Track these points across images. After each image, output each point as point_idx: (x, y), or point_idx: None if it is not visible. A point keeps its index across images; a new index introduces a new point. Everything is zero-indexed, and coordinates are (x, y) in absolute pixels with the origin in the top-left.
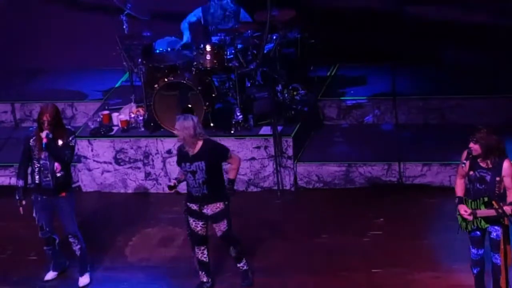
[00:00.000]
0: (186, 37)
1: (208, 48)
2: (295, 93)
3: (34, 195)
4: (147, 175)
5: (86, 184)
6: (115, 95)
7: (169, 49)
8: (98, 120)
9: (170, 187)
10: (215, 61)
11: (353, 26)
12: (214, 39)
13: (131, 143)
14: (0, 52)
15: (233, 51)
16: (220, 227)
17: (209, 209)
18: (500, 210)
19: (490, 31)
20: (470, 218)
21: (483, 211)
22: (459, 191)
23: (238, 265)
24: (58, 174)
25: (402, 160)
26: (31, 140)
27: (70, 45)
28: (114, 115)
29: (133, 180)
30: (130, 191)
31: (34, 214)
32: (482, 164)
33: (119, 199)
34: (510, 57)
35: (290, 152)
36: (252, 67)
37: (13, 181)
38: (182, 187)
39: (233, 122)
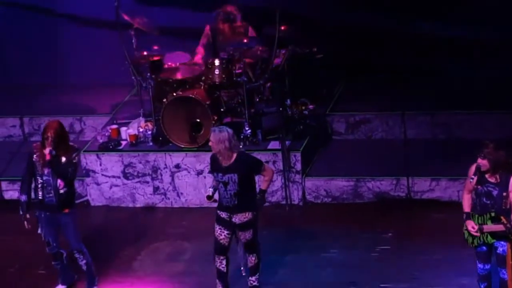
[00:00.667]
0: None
1: (216, 63)
2: (303, 108)
3: (38, 211)
4: (156, 189)
5: (95, 198)
6: (123, 109)
7: (178, 63)
8: (106, 134)
9: (208, 197)
10: (223, 76)
11: (361, 41)
12: (223, 54)
13: (140, 157)
14: (10, 66)
15: (241, 66)
16: (246, 235)
17: (237, 218)
18: (508, 225)
19: (498, 47)
20: (477, 234)
21: (490, 226)
22: (467, 206)
23: (250, 278)
24: (61, 191)
25: (411, 175)
26: (34, 156)
27: (79, 59)
28: (123, 129)
29: (142, 194)
30: (138, 205)
31: (39, 230)
32: (490, 179)
33: (128, 213)
34: None
35: (298, 166)
36: (260, 82)
37: None
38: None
39: (242, 137)
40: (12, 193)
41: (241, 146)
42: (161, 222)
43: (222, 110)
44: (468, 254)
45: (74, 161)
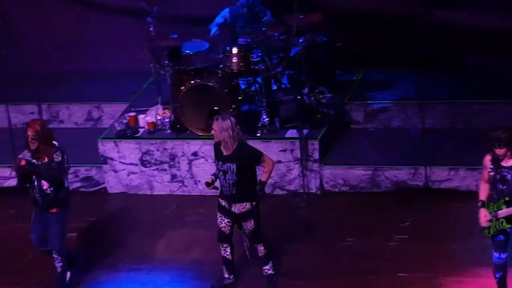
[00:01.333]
0: (213, 31)
1: (234, 50)
2: (321, 96)
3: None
4: (173, 177)
5: (112, 185)
6: (141, 97)
7: (196, 51)
8: (124, 121)
9: (207, 184)
10: (241, 64)
11: (380, 30)
12: (241, 41)
13: (157, 145)
14: (29, 54)
15: (259, 54)
16: (247, 226)
17: (236, 208)
18: None
19: None
20: (486, 224)
21: (504, 211)
22: (483, 195)
23: (264, 267)
24: (48, 191)
25: (429, 164)
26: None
27: (97, 47)
28: (141, 117)
29: (159, 182)
30: (156, 193)
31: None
32: (504, 164)
33: (145, 201)
34: None
35: (316, 155)
36: (278, 70)
37: None
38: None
39: (259, 125)
40: None
41: (258, 134)
42: (178, 210)
43: (239, 98)
44: (485, 244)
45: (56, 159)
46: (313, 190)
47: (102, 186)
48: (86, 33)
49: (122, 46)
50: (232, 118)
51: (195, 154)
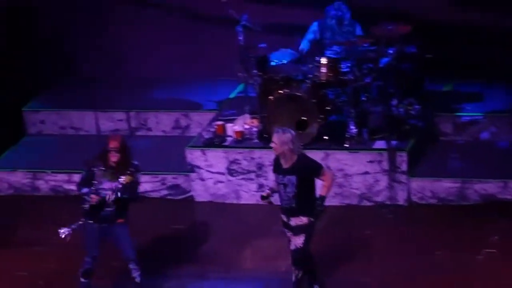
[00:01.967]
0: (303, 48)
1: (323, 61)
2: (410, 107)
3: (86, 221)
4: (260, 186)
5: (199, 194)
6: (229, 105)
7: (284, 61)
8: (212, 130)
9: (262, 197)
10: (330, 74)
11: (470, 41)
12: (329, 52)
13: (245, 154)
14: (118, 61)
15: (348, 65)
16: (296, 241)
17: (293, 221)
18: None
19: None
20: None
21: None
22: None
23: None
24: (115, 206)
25: None
26: (96, 168)
27: (186, 55)
28: (228, 125)
29: (246, 191)
30: (242, 202)
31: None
32: None
33: (232, 210)
34: None
35: (404, 167)
36: (367, 81)
37: None
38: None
39: (347, 136)
40: None
41: (346, 145)
42: (265, 219)
43: (327, 108)
44: None
45: (137, 181)
46: (400, 202)
47: (189, 194)
48: (177, 40)
49: (210, 54)
50: (292, 131)
51: None
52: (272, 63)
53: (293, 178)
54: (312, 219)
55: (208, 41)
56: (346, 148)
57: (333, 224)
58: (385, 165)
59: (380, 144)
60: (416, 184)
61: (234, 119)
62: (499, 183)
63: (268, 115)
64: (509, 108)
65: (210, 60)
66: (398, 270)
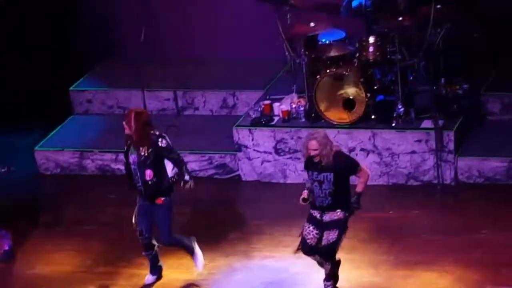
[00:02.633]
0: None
1: (371, 40)
2: (457, 87)
3: (138, 198)
4: None
5: (246, 173)
6: (276, 85)
7: (332, 40)
8: (259, 109)
9: (304, 200)
10: (377, 53)
11: None
12: (377, 31)
13: (292, 133)
14: (167, 41)
15: (396, 44)
16: (329, 236)
17: (327, 216)
18: None
19: None
20: None
21: None
22: None
23: (326, 282)
24: (150, 182)
25: None
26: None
27: (233, 34)
28: (275, 105)
29: (293, 170)
30: (289, 181)
31: (133, 219)
32: None
33: (278, 189)
34: None
35: (451, 146)
36: (415, 60)
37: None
38: None
39: (394, 115)
40: None
41: (393, 124)
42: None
43: (375, 87)
44: None
45: (161, 145)
46: (448, 181)
47: (236, 173)
48: (222, 19)
49: (257, 33)
50: (324, 131)
51: None
52: (320, 43)
53: (330, 175)
54: (347, 214)
55: (255, 20)
56: (393, 127)
57: (381, 202)
58: (432, 144)
59: (427, 123)
60: (463, 163)
61: (281, 99)
62: None
63: (315, 95)
64: None
65: (257, 39)
66: (446, 249)
